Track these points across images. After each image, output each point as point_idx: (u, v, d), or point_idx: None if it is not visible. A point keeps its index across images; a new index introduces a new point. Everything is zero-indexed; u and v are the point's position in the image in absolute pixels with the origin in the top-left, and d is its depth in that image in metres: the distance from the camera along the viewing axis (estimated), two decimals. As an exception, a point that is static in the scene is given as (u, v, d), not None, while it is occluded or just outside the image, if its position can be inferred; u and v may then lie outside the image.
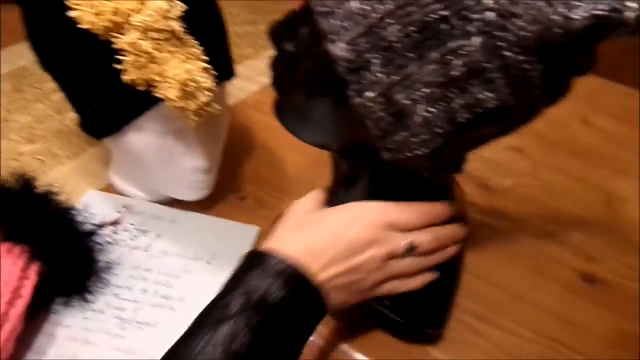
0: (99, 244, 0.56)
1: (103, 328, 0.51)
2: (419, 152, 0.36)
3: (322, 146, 0.44)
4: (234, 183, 0.67)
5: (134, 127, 0.49)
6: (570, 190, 0.70)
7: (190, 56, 0.43)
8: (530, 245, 0.62)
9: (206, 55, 0.46)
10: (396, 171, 0.42)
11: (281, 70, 0.42)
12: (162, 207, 0.62)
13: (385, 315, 0.47)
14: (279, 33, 0.40)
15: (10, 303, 0.45)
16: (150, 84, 0.43)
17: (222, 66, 0.51)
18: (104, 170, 0.67)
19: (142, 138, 0.50)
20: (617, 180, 0.72)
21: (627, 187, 0.71)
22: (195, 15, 0.45)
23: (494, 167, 0.72)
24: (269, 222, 0.61)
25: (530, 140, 0.77)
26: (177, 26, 0.42)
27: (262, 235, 0.60)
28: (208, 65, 0.45)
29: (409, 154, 0.36)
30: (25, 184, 0.53)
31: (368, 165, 0.43)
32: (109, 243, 0.58)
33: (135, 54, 0.41)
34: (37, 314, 0.50)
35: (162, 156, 0.52)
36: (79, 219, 0.56)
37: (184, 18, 0.44)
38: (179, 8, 0.42)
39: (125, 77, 0.43)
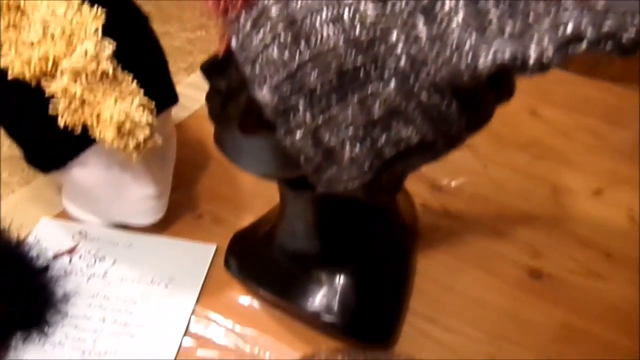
0: (54, 276, 0.56)
1: (63, 361, 0.52)
2: (350, 187, 0.37)
3: (263, 176, 0.45)
4: (189, 202, 0.68)
5: (78, 162, 0.49)
6: (517, 185, 0.73)
7: (125, 94, 0.43)
8: (480, 244, 0.64)
9: (144, 87, 0.46)
10: (337, 199, 0.43)
11: (215, 105, 0.42)
12: (117, 231, 0.63)
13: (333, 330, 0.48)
14: (211, 70, 0.40)
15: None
16: (86, 126, 0.43)
17: (163, 94, 0.51)
18: (57, 196, 0.66)
19: (87, 172, 0.50)
20: (562, 172, 0.75)
21: (574, 178, 0.74)
22: (128, 49, 0.45)
23: (445, 166, 0.74)
24: (226, 239, 0.62)
25: (481, 136, 0.79)
26: (108, 66, 0.42)
27: (220, 253, 0.61)
28: (145, 100, 0.45)
29: (341, 189, 0.37)
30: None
31: (309, 193, 0.44)
32: (65, 273, 0.58)
33: (67, 99, 0.41)
34: (-5, 352, 0.51)
35: (109, 188, 0.53)
36: (32, 253, 0.56)
37: (116, 54, 0.44)
38: (110, 48, 0.42)
39: (60, 122, 0.43)
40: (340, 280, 0.48)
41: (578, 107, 0.85)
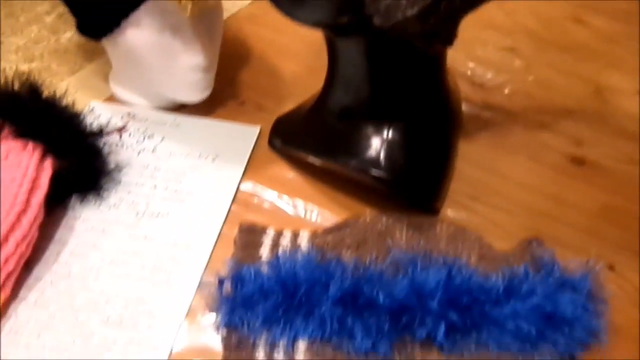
0: (107, 144, 0.58)
1: (119, 219, 0.54)
2: (409, 13, 0.37)
3: (317, 24, 0.45)
4: (232, 90, 0.69)
5: (132, 23, 0.50)
6: (561, 84, 0.72)
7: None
8: (522, 134, 0.64)
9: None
10: (390, 45, 0.43)
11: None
12: (164, 113, 0.64)
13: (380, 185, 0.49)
14: None
15: (31, 192, 0.48)
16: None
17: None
18: (104, 84, 0.68)
19: (139, 34, 0.51)
20: (608, 74, 0.73)
21: (619, 79, 0.73)
22: None
23: (487, 66, 0.73)
24: (269, 124, 0.63)
25: (524, 40, 0.78)
26: None
27: (263, 135, 0.63)
28: (200, -48, 0.46)
29: (399, 17, 0.38)
30: (32, 88, 0.55)
31: (362, 40, 0.44)
32: (117, 147, 0.60)
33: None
34: (55, 208, 0.53)
35: (160, 54, 0.54)
36: (86, 121, 0.58)
37: None
38: None
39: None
40: (388, 135, 0.49)
41: (625, 17, 0.83)
